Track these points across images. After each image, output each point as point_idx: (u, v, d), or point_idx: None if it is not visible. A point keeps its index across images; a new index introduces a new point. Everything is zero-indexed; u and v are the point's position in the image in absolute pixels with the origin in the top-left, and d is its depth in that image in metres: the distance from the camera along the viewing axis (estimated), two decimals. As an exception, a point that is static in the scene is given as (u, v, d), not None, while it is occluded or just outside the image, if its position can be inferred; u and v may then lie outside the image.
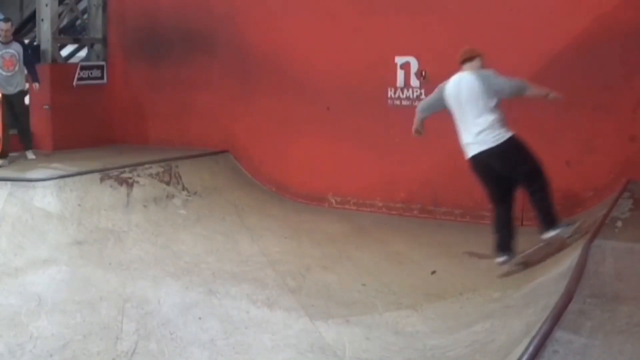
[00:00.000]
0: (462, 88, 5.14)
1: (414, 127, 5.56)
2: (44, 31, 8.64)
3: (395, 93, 7.28)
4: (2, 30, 7.64)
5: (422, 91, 7.12)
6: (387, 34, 7.23)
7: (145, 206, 6.77)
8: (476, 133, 5.06)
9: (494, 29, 6.77)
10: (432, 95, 5.42)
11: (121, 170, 7.01)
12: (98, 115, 8.98)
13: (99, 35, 9.20)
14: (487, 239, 6.30)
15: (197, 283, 5.27)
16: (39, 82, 7.85)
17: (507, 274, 5.20)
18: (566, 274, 4.02)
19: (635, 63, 6.21)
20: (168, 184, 7.21)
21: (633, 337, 3.15)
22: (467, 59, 5.23)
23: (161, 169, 7.30)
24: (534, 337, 3.12)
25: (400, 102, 7.26)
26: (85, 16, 9.42)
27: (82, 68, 8.81)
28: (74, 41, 9.51)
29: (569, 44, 6.43)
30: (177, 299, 4.95)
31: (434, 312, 4.65)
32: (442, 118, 7.01)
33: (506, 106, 6.69)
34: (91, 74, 8.87)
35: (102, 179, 6.79)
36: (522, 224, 6.63)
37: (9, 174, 6.78)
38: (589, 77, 6.39)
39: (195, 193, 7.31)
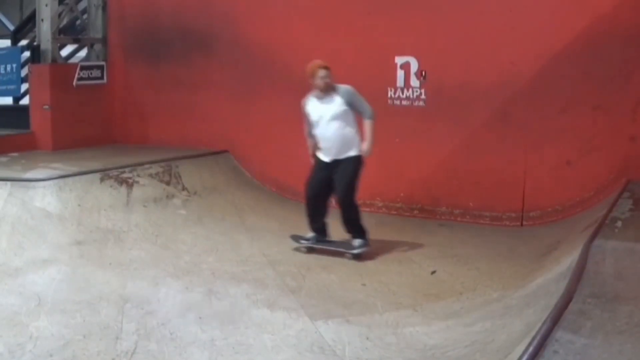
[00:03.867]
0: None
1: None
2: (44, 31, 8.64)
3: (395, 93, 7.28)
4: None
5: (422, 91, 7.13)
6: (387, 34, 7.24)
7: (145, 206, 6.77)
8: None
9: (494, 29, 6.78)
10: None
11: (121, 170, 7.01)
12: (98, 115, 8.98)
13: (99, 35, 9.20)
14: (487, 239, 6.33)
15: (197, 283, 5.27)
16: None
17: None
18: (566, 274, 4.02)
19: (635, 63, 6.21)
20: (168, 184, 7.21)
21: (633, 337, 3.15)
22: None
23: (161, 169, 7.30)
24: (534, 337, 3.12)
25: (400, 102, 7.26)
26: (85, 16, 9.42)
27: (82, 68, 8.81)
28: (74, 41, 9.50)
29: (569, 44, 6.43)
30: (177, 299, 4.95)
31: (434, 312, 4.65)
32: (442, 119, 7.05)
33: (508, 105, 6.74)
34: (91, 74, 8.87)
35: (102, 179, 6.78)
36: (521, 225, 6.67)
37: (9, 174, 6.78)
38: (589, 77, 6.40)
39: (195, 193, 7.31)
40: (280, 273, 5.48)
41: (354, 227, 5.93)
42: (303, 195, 7.75)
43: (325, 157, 5.92)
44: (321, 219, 6.06)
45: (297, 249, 6.02)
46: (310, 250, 6.01)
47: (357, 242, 5.89)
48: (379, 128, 7.37)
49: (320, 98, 5.87)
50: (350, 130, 5.78)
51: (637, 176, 5.97)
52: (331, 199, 5.98)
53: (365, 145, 5.77)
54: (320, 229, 6.07)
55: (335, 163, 5.85)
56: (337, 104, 5.77)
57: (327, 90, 5.81)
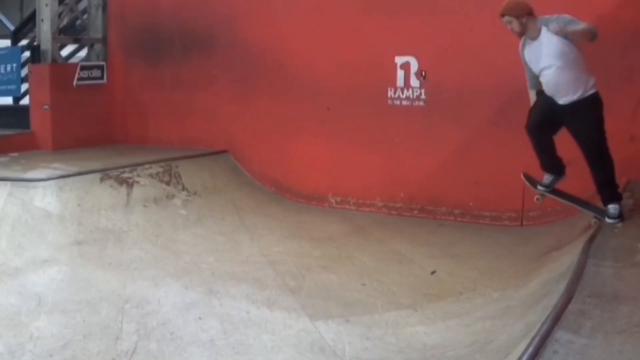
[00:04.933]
0: None
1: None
2: (44, 31, 8.64)
3: (395, 93, 7.27)
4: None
5: (422, 91, 7.12)
6: (387, 34, 7.23)
7: (145, 206, 6.77)
8: None
9: (493, 29, 6.76)
10: None
11: (121, 170, 7.01)
12: (98, 115, 8.98)
13: (99, 35, 9.20)
14: (487, 239, 6.32)
15: (197, 283, 5.27)
16: None
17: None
18: (566, 274, 4.02)
19: (635, 63, 6.20)
20: (168, 184, 7.21)
21: (633, 337, 3.15)
22: None
23: (161, 169, 7.30)
24: (534, 337, 3.12)
25: (400, 102, 7.25)
26: (85, 16, 9.42)
27: (82, 68, 8.81)
28: (74, 41, 9.50)
29: (569, 44, 6.42)
30: (177, 299, 4.95)
31: (434, 312, 4.65)
32: (440, 119, 7.05)
33: (508, 105, 6.73)
34: (91, 74, 8.87)
35: (102, 179, 6.79)
36: (521, 224, 6.66)
37: (9, 174, 6.78)
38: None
39: (195, 193, 7.31)
40: (280, 273, 5.48)
41: (608, 186, 4.91)
42: (303, 195, 7.82)
43: (557, 99, 4.88)
44: (551, 152, 5.12)
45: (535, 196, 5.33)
46: (544, 198, 5.27)
47: (612, 208, 4.83)
48: (378, 128, 7.42)
49: (531, 40, 4.84)
50: (574, 69, 4.73)
51: (637, 176, 5.97)
52: (555, 137, 5.08)
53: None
54: (554, 167, 5.18)
55: (568, 107, 4.82)
56: (547, 42, 4.72)
57: (526, 34, 4.82)
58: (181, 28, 8.64)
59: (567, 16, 4.67)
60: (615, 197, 4.89)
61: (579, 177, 5.15)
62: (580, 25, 4.56)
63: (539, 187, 5.32)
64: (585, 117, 4.79)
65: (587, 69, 4.84)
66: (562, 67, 4.72)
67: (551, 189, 5.26)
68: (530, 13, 4.79)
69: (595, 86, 4.83)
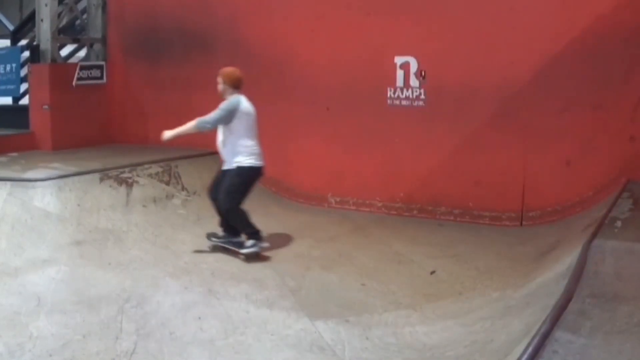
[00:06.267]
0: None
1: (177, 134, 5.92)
2: (44, 31, 8.64)
3: (394, 93, 7.28)
4: None
5: (422, 91, 7.13)
6: (387, 34, 7.24)
7: (144, 206, 6.76)
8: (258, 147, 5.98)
9: (493, 29, 6.78)
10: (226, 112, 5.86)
11: (121, 170, 7.01)
12: (98, 115, 8.98)
13: (99, 35, 9.20)
14: (486, 239, 6.33)
15: (196, 283, 5.27)
16: None
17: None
18: (566, 274, 4.02)
19: (635, 63, 6.21)
20: (168, 184, 7.21)
21: (633, 337, 3.16)
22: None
23: (161, 169, 7.30)
24: (533, 337, 3.12)
25: (400, 102, 7.26)
26: (85, 16, 9.42)
27: (82, 68, 8.81)
28: (74, 41, 9.50)
29: (569, 44, 6.43)
30: (177, 299, 4.95)
31: (434, 312, 4.65)
32: (439, 119, 7.05)
33: (507, 105, 6.75)
34: (90, 73, 8.87)
35: (101, 179, 6.78)
36: (521, 224, 6.67)
37: (9, 174, 6.77)
38: (589, 77, 6.40)
39: (194, 193, 7.31)
40: (280, 273, 5.48)
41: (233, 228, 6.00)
42: (303, 195, 7.82)
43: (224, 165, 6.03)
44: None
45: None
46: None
47: (250, 242, 5.90)
48: (378, 128, 7.42)
49: None
50: (230, 143, 5.87)
51: (637, 176, 5.97)
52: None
53: (169, 132, 5.90)
54: (228, 227, 6.08)
55: (225, 172, 5.97)
56: None
57: (224, 97, 5.96)
58: (181, 28, 8.63)
59: (227, 102, 5.88)
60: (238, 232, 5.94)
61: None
62: (212, 113, 5.88)
63: (212, 239, 6.09)
64: (228, 179, 5.85)
65: (245, 151, 5.83)
66: (225, 136, 5.88)
67: (222, 242, 6.04)
68: (231, 86, 5.93)
69: (245, 162, 5.84)
